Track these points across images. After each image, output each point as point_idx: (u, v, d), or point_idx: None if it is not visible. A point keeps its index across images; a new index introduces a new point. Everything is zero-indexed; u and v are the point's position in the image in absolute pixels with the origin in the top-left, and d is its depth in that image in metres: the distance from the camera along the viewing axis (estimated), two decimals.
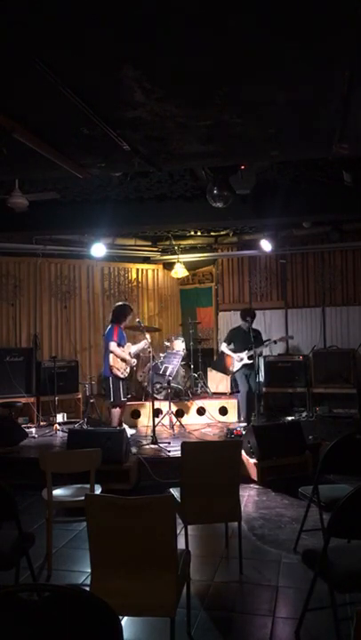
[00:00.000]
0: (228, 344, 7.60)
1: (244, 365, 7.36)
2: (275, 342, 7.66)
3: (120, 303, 7.20)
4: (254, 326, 7.55)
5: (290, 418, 7.84)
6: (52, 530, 3.90)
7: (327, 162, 5.43)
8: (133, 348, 7.00)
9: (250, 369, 7.36)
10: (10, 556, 3.01)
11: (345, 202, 6.37)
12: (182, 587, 2.75)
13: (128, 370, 6.91)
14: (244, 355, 7.33)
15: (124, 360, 6.80)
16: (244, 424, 7.29)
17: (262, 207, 6.62)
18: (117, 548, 2.52)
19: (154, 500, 2.57)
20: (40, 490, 4.07)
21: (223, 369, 8.38)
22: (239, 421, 7.60)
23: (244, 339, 7.34)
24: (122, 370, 6.77)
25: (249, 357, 7.30)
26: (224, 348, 7.67)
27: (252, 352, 7.25)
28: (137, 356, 7.26)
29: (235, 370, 7.47)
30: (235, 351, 7.47)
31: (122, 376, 6.78)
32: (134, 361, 7.08)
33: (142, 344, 6.99)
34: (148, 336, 7.12)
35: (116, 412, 6.89)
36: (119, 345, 6.80)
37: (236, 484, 3.86)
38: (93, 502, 2.57)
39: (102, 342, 7.46)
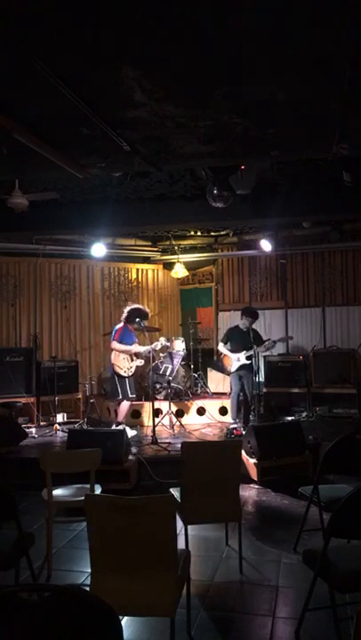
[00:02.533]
0: (225, 343, 7.54)
1: (242, 366, 7.31)
2: (274, 342, 7.63)
3: (140, 307, 7.17)
4: (254, 325, 7.52)
5: (290, 418, 7.85)
6: (52, 530, 3.90)
7: (327, 162, 5.43)
8: (142, 349, 7.01)
9: (247, 369, 7.30)
10: (10, 556, 3.01)
11: (345, 202, 6.36)
12: (182, 587, 2.75)
13: (132, 369, 6.94)
14: (242, 355, 7.29)
15: (128, 356, 6.83)
16: (234, 423, 7.30)
17: (262, 207, 6.62)
18: (117, 547, 2.52)
19: (154, 499, 2.57)
20: (40, 490, 4.07)
21: (222, 368, 8.38)
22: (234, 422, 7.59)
23: (242, 338, 7.29)
24: (124, 368, 6.83)
25: (247, 357, 7.26)
26: (221, 347, 7.64)
27: (250, 352, 7.22)
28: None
29: (232, 370, 7.43)
30: (232, 351, 7.42)
31: (124, 374, 6.84)
32: (141, 361, 7.10)
33: (148, 348, 6.97)
34: (162, 339, 7.17)
35: (125, 406, 6.92)
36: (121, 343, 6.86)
37: (236, 484, 3.86)
38: (93, 502, 2.57)
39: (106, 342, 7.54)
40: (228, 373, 7.82)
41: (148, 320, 7.21)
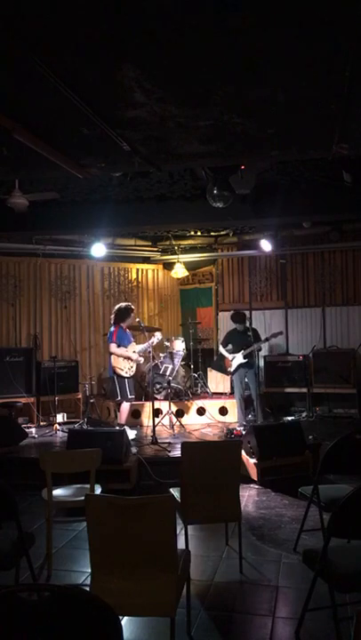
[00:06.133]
0: (225, 346, 7.66)
1: (242, 365, 7.36)
2: (267, 340, 7.66)
3: (121, 305, 7.22)
4: (253, 325, 7.58)
5: (290, 418, 7.85)
6: (52, 530, 3.90)
7: (327, 162, 5.43)
8: (138, 348, 7.03)
9: (247, 367, 7.36)
10: (10, 556, 3.01)
11: (345, 202, 6.36)
12: (182, 587, 2.75)
13: (133, 369, 6.97)
14: (239, 355, 7.36)
15: (128, 358, 6.86)
16: (240, 426, 7.32)
17: (262, 207, 6.62)
18: (117, 547, 2.52)
19: (154, 499, 2.57)
20: (40, 490, 4.07)
21: (223, 369, 8.41)
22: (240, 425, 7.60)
23: (240, 339, 7.39)
24: (125, 369, 6.86)
25: (245, 357, 7.32)
26: (221, 349, 7.74)
27: (249, 349, 7.27)
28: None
29: (232, 370, 7.49)
30: (232, 352, 7.51)
31: (126, 375, 6.87)
32: (141, 359, 7.14)
33: (147, 344, 7.01)
34: (158, 334, 7.20)
35: (125, 407, 6.94)
36: (119, 345, 6.87)
37: (236, 484, 3.86)
38: (93, 502, 2.57)
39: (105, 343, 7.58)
40: (229, 373, 7.85)
41: (133, 313, 7.20)
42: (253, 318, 9.33)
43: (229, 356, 7.52)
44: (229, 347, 7.60)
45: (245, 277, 9.91)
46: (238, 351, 7.40)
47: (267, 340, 7.61)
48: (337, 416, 8.02)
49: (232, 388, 8.63)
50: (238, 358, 7.38)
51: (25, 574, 3.25)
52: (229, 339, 7.67)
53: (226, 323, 9.84)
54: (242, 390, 7.48)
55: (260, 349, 7.74)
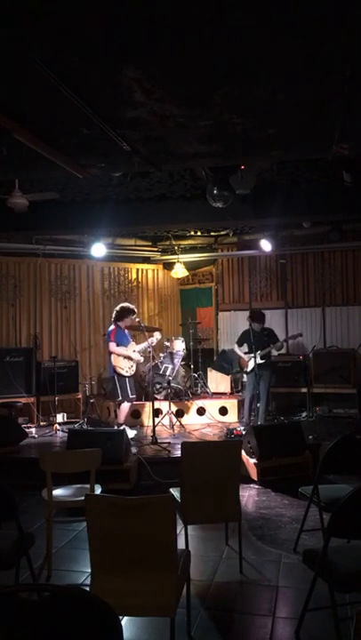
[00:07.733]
0: (240, 345, 7.59)
1: (258, 365, 7.30)
2: (285, 341, 7.62)
3: (123, 305, 7.22)
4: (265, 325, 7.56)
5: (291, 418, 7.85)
6: (52, 530, 3.90)
7: (327, 162, 5.44)
8: (138, 347, 7.04)
9: (263, 368, 7.30)
10: (10, 556, 3.01)
11: (345, 202, 6.37)
12: (182, 587, 2.75)
13: (133, 367, 6.98)
14: (256, 355, 7.31)
15: (127, 358, 6.87)
16: (241, 425, 7.30)
17: (262, 207, 6.63)
18: (117, 547, 2.52)
19: (154, 499, 2.57)
20: (40, 490, 4.07)
21: (224, 369, 8.38)
22: (240, 422, 7.59)
23: (256, 340, 7.32)
24: (125, 368, 6.86)
25: (262, 357, 7.26)
26: (235, 348, 7.67)
27: (267, 349, 7.24)
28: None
29: (248, 370, 7.44)
30: (248, 352, 7.45)
31: (126, 374, 6.88)
32: (141, 359, 7.14)
33: (146, 343, 7.02)
34: (157, 334, 7.22)
35: (125, 407, 6.95)
36: (118, 345, 6.87)
37: (237, 484, 3.86)
38: (93, 502, 2.57)
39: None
40: (230, 374, 7.81)
41: (135, 315, 7.22)
42: None
43: (245, 357, 7.48)
44: (244, 347, 7.55)
45: (245, 277, 9.92)
46: (253, 351, 7.36)
47: (285, 341, 7.56)
48: (337, 416, 8.02)
49: (232, 387, 8.64)
50: (256, 358, 7.32)
51: (25, 574, 3.25)
52: (244, 339, 7.59)
53: (226, 323, 9.86)
54: (251, 392, 7.44)
55: (280, 349, 7.67)
